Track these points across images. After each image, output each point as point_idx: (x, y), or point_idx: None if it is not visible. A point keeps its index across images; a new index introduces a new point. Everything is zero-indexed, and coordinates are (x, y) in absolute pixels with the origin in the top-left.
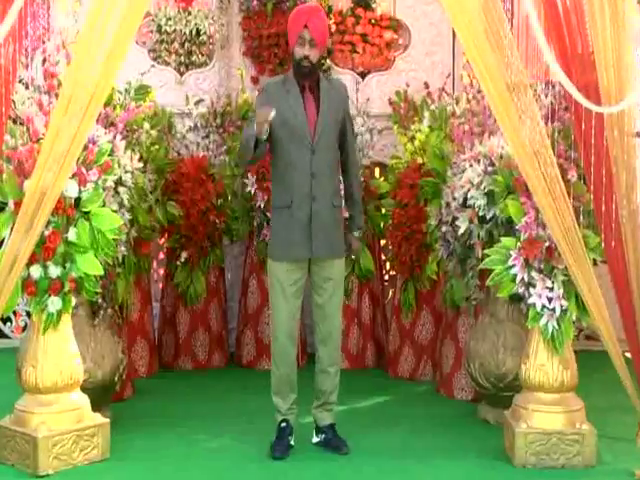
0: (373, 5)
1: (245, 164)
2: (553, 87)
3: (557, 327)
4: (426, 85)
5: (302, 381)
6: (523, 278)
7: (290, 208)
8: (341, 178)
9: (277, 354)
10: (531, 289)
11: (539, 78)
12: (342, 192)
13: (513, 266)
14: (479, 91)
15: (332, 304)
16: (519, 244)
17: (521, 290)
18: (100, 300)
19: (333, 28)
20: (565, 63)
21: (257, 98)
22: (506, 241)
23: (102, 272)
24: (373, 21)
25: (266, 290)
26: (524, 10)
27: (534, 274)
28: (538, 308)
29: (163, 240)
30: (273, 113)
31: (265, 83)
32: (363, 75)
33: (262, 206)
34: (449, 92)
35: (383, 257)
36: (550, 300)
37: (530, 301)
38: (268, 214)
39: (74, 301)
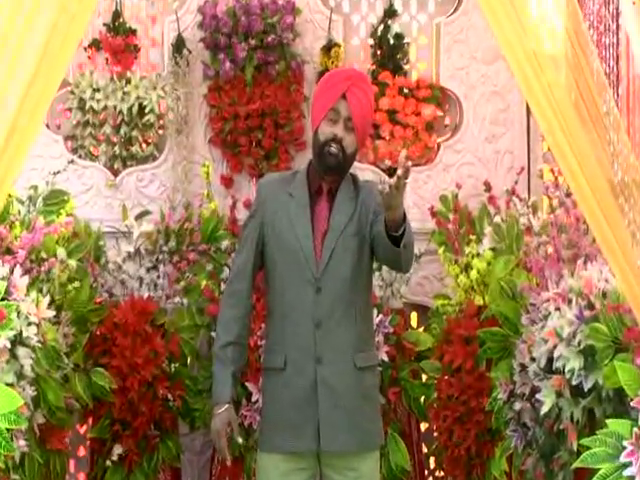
0: (405, 67)
1: None
2: None
3: None
4: (487, 186)
5: None
6: None
7: (284, 372)
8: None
9: None
10: None
11: None
12: (373, 346)
13: (628, 464)
14: (568, 195)
15: None
16: (636, 430)
17: None
18: None
19: None
20: None
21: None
22: (615, 425)
23: None
24: (406, 91)
25: None
26: (636, 71)
27: None
28: None
29: (86, 427)
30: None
31: (263, 178)
32: (391, 172)
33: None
34: (522, 197)
35: (425, 449)
36: None
37: None
38: (248, 385)
39: None
